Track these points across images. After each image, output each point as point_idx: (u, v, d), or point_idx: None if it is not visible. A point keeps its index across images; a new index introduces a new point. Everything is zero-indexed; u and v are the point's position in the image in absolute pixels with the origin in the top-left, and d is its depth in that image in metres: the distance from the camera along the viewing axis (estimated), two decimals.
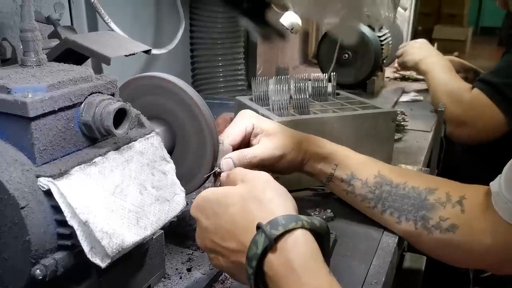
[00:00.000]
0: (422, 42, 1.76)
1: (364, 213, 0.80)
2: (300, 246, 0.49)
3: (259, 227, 0.49)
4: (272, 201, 0.53)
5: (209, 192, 0.58)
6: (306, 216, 0.51)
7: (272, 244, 0.48)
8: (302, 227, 0.50)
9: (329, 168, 0.78)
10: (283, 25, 0.75)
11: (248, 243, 0.50)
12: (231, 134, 0.75)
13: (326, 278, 0.48)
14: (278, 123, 0.79)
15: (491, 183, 0.67)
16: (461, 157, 1.67)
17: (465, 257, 0.70)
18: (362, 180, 0.77)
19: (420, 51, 1.69)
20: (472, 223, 0.68)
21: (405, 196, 0.73)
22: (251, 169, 0.71)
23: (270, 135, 0.76)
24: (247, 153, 0.73)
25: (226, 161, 0.71)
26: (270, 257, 0.48)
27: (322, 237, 0.51)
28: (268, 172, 0.80)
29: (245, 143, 0.77)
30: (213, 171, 0.71)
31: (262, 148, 0.75)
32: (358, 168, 0.77)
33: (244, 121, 0.77)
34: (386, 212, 0.75)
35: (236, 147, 0.75)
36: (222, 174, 0.64)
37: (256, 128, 0.77)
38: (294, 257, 0.48)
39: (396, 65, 2.14)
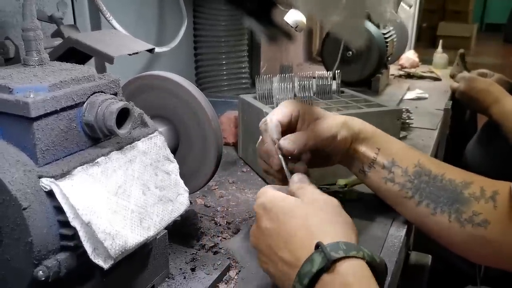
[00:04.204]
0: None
1: (394, 205, 0.78)
2: (358, 273, 0.48)
3: (318, 246, 0.48)
4: (336, 225, 0.53)
5: (279, 194, 0.58)
6: (368, 250, 0.50)
7: (329, 265, 0.47)
8: (362, 257, 0.49)
9: (372, 153, 0.77)
10: (287, 23, 0.75)
11: (302, 258, 0.49)
12: (279, 112, 0.73)
13: None
14: (321, 108, 0.78)
15: None
16: (470, 156, 1.66)
17: (493, 255, 0.69)
18: (402, 168, 0.75)
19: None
20: (503, 221, 0.67)
21: (441, 188, 0.72)
22: (309, 149, 0.71)
23: (319, 119, 0.75)
24: (301, 136, 0.71)
25: (285, 142, 0.69)
26: (326, 278, 0.47)
27: (378, 274, 0.50)
28: (320, 158, 0.77)
29: (291, 129, 0.75)
30: (277, 145, 0.69)
31: (316, 130, 0.73)
32: (399, 154, 0.76)
33: (290, 107, 0.75)
34: (422, 203, 0.73)
35: (284, 129, 0.73)
36: (295, 184, 0.61)
37: (304, 114, 0.75)
38: (353, 282, 0.47)
39: (401, 62, 2.13)
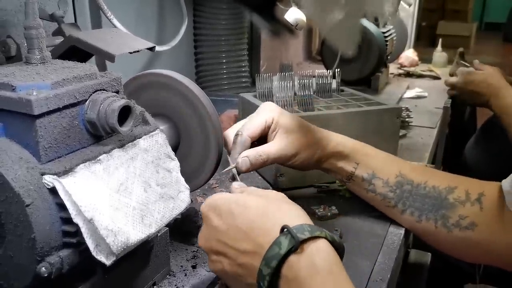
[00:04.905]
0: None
1: (382, 211, 0.80)
2: (324, 252, 0.49)
3: (283, 229, 0.49)
4: (293, 211, 0.54)
5: (227, 194, 0.58)
6: (328, 231, 0.51)
7: (298, 246, 0.48)
8: (325, 237, 0.50)
9: (350, 167, 0.78)
10: (287, 21, 0.75)
11: (266, 244, 0.49)
12: (251, 126, 0.75)
13: (351, 285, 0.48)
14: (298, 119, 0.78)
15: (503, 182, 0.67)
16: (469, 155, 1.66)
17: (483, 255, 0.71)
18: (383, 180, 0.76)
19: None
20: (491, 221, 0.68)
21: (425, 195, 0.73)
22: (265, 166, 0.74)
23: (286, 133, 0.75)
24: (262, 153, 0.73)
25: (243, 160, 0.71)
26: (293, 258, 0.48)
27: (338, 253, 0.51)
28: (288, 166, 0.79)
29: (264, 135, 0.77)
30: (232, 167, 0.71)
31: (275, 147, 0.74)
32: (380, 167, 0.77)
33: (265, 114, 0.76)
34: (406, 212, 0.75)
35: (256, 139, 0.75)
36: (237, 189, 0.63)
37: (275, 123, 0.76)
38: (319, 261, 0.48)
39: (400, 61, 2.13)
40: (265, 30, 0.70)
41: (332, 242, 0.50)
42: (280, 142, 0.75)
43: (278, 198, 0.56)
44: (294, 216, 0.53)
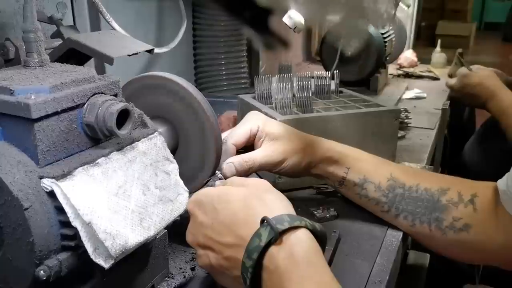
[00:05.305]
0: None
1: (377, 215, 0.80)
2: (304, 242, 0.50)
3: (263, 220, 0.50)
4: (275, 201, 0.54)
5: (210, 189, 0.59)
6: (308, 219, 0.52)
7: (277, 237, 0.48)
8: (305, 227, 0.51)
9: (341, 172, 0.78)
10: (285, 24, 0.75)
11: (248, 237, 0.50)
12: (235, 134, 0.76)
13: (329, 275, 0.49)
14: (285, 126, 0.79)
15: (499, 181, 0.67)
16: (468, 155, 1.66)
17: (479, 255, 0.71)
18: (375, 184, 0.76)
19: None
20: (485, 222, 0.68)
21: (418, 199, 0.73)
22: (251, 173, 0.74)
23: (273, 140, 0.76)
24: (247, 159, 0.73)
25: (228, 166, 0.72)
26: (273, 250, 0.49)
27: (320, 241, 0.52)
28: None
29: (250, 144, 0.77)
30: (215, 174, 0.72)
31: (261, 154, 0.75)
32: (371, 171, 0.77)
33: (250, 122, 0.77)
34: (400, 216, 0.75)
35: (241, 147, 0.76)
36: (218, 184, 0.65)
37: (261, 131, 0.77)
38: (298, 252, 0.48)
39: (399, 61, 2.13)
40: (259, 43, 0.70)
41: (313, 231, 0.51)
42: (266, 149, 0.75)
43: (260, 188, 0.57)
44: (276, 206, 0.53)
